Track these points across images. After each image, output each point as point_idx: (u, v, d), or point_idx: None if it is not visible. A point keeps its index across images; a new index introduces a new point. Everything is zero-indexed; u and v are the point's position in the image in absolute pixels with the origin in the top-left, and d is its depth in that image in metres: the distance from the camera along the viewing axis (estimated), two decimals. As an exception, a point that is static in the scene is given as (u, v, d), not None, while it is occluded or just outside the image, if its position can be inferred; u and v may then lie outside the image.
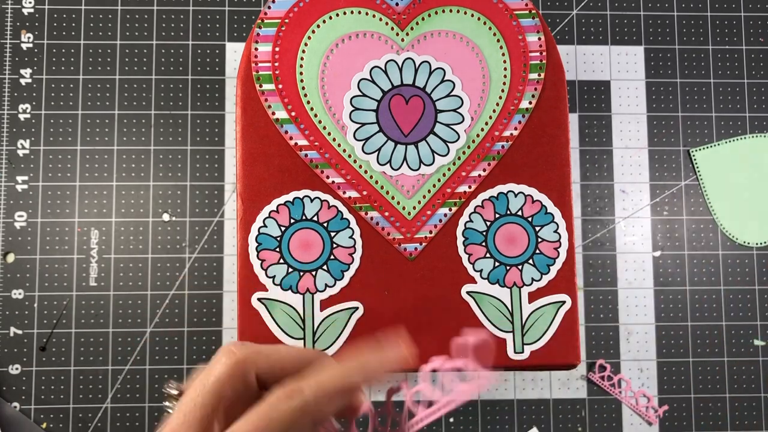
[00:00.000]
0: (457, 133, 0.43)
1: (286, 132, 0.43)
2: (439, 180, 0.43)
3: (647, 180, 0.53)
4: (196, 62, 0.53)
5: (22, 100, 0.52)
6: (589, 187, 0.53)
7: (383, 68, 0.43)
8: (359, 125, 0.43)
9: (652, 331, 0.52)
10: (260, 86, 0.43)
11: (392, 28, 0.44)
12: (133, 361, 0.50)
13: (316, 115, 0.43)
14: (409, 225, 0.43)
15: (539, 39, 0.44)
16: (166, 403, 0.30)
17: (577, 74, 0.54)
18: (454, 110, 0.43)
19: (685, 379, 0.52)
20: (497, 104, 0.44)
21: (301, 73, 0.43)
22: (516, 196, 0.43)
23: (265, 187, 0.43)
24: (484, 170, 0.43)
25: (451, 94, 0.43)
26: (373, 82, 0.43)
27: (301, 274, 0.42)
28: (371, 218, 0.43)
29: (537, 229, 0.43)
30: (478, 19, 0.44)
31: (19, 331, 0.50)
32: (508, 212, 0.43)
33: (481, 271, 0.43)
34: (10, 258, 0.50)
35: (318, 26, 0.44)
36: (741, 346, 0.52)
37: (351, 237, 0.43)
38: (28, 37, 0.52)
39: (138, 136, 0.52)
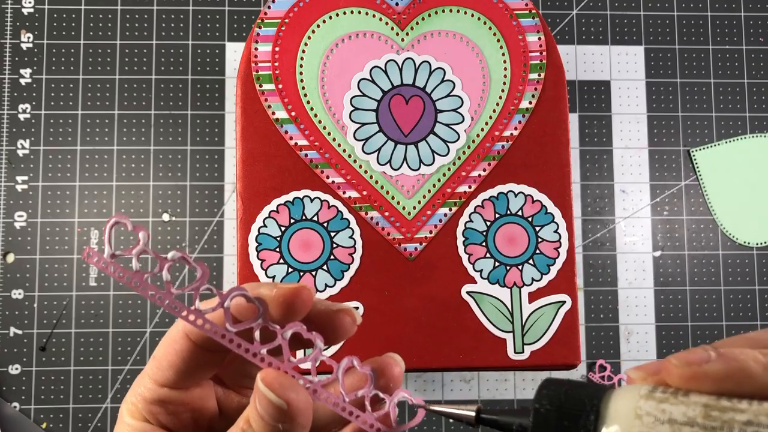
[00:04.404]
0: (457, 133, 0.43)
1: (286, 132, 0.43)
2: (439, 180, 0.43)
3: (647, 180, 0.53)
4: (196, 62, 0.53)
5: (22, 100, 0.52)
6: (589, 187, 0.53)
7: (383, 68, 0.43)
8: (359, 125, 0.43)
9: (652, 331, 0.52)
10: (260, 86, 0.43)
11: (392, 28, 0.44)
12: (133, 361, 0.50)
13: (316, 115, 0.43)
14: (409, 225, 0.43)
15: (539, 39, 0.44)
16: None
17: (577, 74, 0.54)
18: (454, 110, 0.43)
19: (685, 379, 0.52)
20: (497, 104, 0.43)
21: (301, 73, 0.43)
22: (516, 196, 0.43)
23: (265, 187, 0.43)
24: (484, 170, 0.43)
25: (451, 94, 0.43)
26: (373, 82, 0.43)
27: (301, 274, 0.42)
28: (371, 218, 0.43)
29: (537, 229, 0.43)
30: (478, 19, 0.44)
31: (19, 331, 0.50)
32: (508, 212, 0.43)
33: (481, 271, 0.43)
34: (10, 258, 0.50)
35: (318, 26, 0.44)
36: (741, 346, 0.52)
37: (351, 237, 0.43)
38: (28, 37, 0.52)
39: (138, 136, 0.52)
